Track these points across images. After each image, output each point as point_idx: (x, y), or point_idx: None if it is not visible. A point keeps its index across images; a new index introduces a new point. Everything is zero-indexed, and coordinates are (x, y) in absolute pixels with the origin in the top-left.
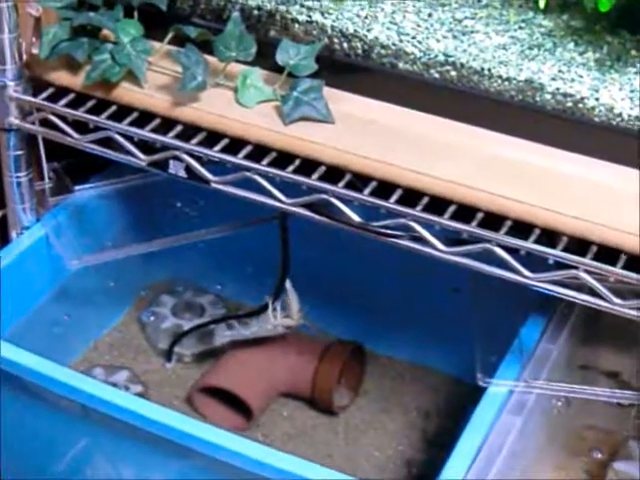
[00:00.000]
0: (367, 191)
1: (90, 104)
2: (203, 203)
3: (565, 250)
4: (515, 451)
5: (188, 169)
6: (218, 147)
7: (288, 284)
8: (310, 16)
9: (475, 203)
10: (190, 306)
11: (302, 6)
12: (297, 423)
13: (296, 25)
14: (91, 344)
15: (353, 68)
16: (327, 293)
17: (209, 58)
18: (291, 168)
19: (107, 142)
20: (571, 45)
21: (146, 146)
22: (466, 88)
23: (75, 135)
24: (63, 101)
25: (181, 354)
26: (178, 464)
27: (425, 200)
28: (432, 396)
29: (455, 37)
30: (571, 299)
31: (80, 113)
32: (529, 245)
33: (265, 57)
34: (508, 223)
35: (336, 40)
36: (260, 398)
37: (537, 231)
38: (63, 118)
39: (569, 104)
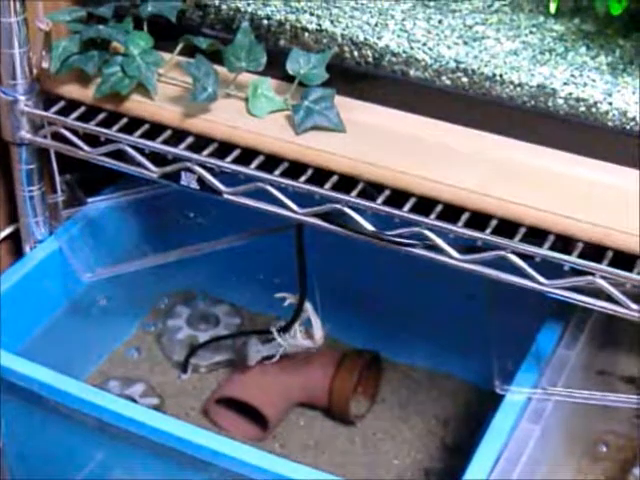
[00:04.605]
0: (380, 200)
1: (101, 117)
2: (216, 213)
3: (581, 256)
4: (534, 458)
5: (200, 180)
6: (230, 158)
7: (311, 309)
8: (320, 24)
9: (489, 210)
10: (205, 317)
11: (312, 14)
12: (314, 433)
13: (306, 34)
14: (106, 357)
15: (364, 76)
16: (342, 302)
17: (219, 68)
18: (303, 178)
19: (119, 155)
20: (583, 49)
21: (157, 158)
22: (478, 94)
23: (86, 148)
24: (74, 114)
25: (197, 365)
26: (195, 477)
27: (439, 208)
28: (450, 403)
29: (466, 43)
30: (587, 305)
31: (91, 126)
32: (544, 252)
33: (275, 67)
34: (522, 230)
35: (346, 48)
36: (276, 408)
37: (552, 237)
38: (74, 131)
39: (582, 109)
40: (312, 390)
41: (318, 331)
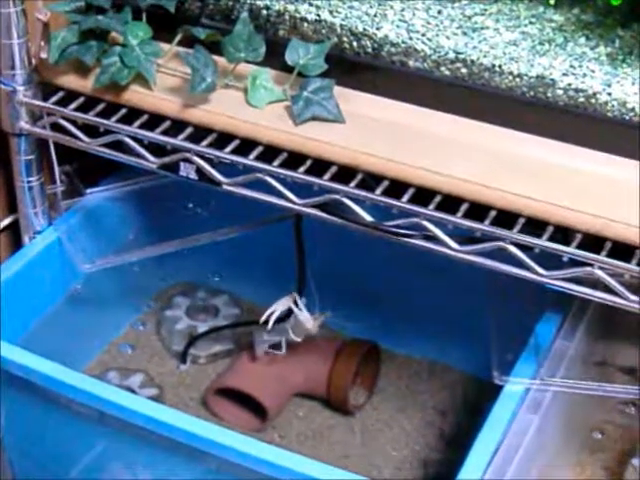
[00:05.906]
0: (379, 191)
1: (100, 107)
2: (215, 204)
3: (579, 247)
4: (533, 449)
5: (199, 171)
6: (229, 148)
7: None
8: (319, 15)
9: (488, 201)
10: (204, 307)
11: (311, 5)
12: (313, 423)
13: (305, 24)
14: (105, 347)
15: (363, 67)
16: (341, 292)
17: (218, 59)
18: (302, 169)
19: (118, 145)
20: (582, 40)
21: (157, 149)
22: (477, 85)
23: (85, 139)
24: (73, 105)
25: (196, 356)
26: (194, 467)
27: (437, 199)
28: (448, 394)
29: (465, 34)
30: (586, 296)
31: (90, 117)
32: (543, 243)
33: (274, 57)
34: (521, 221)
35: (345, 39)
36: (275, 399)
37: (551, 228)
38: (73, 122)
39: (581, 99)
40: (311, 380)
41: (309, 324)
